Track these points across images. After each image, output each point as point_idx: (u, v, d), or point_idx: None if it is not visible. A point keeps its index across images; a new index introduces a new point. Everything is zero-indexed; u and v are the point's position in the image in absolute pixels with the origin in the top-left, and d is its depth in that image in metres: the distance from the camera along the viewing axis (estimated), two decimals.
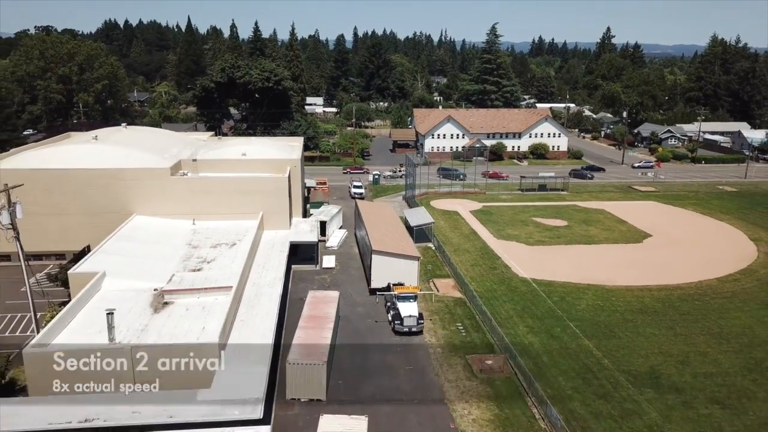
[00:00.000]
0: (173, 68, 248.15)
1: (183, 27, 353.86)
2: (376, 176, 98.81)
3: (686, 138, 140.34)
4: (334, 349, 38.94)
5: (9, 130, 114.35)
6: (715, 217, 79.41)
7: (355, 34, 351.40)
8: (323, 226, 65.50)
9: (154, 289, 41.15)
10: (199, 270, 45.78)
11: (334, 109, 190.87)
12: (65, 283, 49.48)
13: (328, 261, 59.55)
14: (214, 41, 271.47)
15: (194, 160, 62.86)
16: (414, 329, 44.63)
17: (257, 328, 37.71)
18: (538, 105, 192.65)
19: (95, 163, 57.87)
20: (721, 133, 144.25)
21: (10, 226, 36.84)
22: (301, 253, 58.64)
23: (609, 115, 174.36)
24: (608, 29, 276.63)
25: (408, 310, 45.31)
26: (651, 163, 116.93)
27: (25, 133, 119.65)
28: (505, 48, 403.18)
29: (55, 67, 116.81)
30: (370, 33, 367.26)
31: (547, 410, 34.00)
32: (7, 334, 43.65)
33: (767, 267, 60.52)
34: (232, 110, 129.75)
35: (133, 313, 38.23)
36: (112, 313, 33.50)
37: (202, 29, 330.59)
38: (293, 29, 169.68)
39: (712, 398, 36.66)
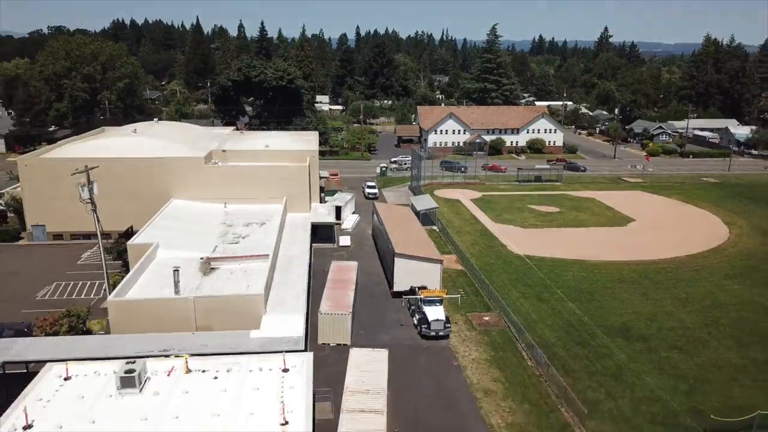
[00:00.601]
0: (182, 67, 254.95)
1: (187, 26, 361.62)
2: (384, 168, 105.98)
3: (677, 134, 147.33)
4: (355, 305, 46.21)
5: (39, 126, 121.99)
6: (696, 205, 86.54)
7: (358, 33, 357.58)
8: (338, 210, 72.76)
9: (201, 258, 48.33)
10: (236, 243, 53.07)
11: (339, 107, 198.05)
12: (118, 256, 56.99)
13: (344, 240, 66.87)
14: (222, 41, 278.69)
15: (224, 151, 70.20)
16: (441, 333, 44.11)
17: (292, 287, 44.97)
18: (537, 103, 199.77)
19: (137, 153, 65.29)
20: (711, 130, 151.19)
21: (89, 201, 43.99)
22: (319, 234, 65.85)
23: (605, 112, 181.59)
24: (606, 29, 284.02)
25: (435, 314, 44.61)
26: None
27: (49, 129, 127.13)
28: (507, 47, 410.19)
29: (81, 67, 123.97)
30: (372, 32, 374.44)
31: (534, 352, 41.25)
32: (74, 297, 50.90)
33: (736, 246, 67.73)
34: (246, 107, 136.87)
35: (186, 276, 45.36)
36: (178, 270, 40.89)
37: (206, 28, 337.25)
38: (304, 30, 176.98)
39: (672, 345, 43.90)
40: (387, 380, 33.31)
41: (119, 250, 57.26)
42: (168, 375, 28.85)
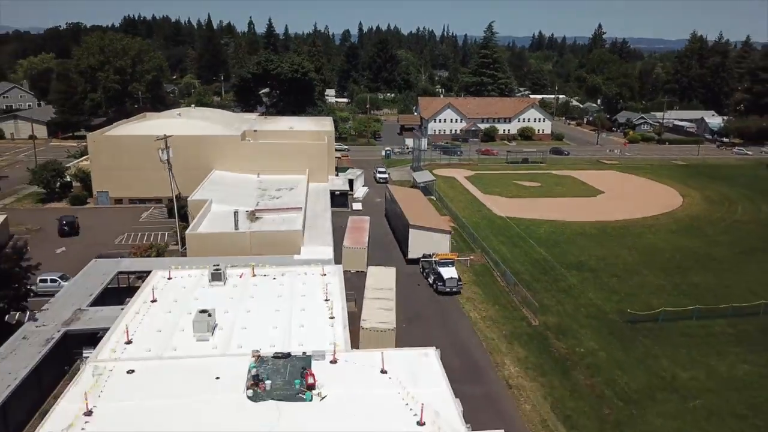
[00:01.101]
0: (194, 62, 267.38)
1: (194, 22, 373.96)
2: (388, 151, 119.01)
3: (658, 124, 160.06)
4: (369, 245, 59.36)
5: (77, 114, 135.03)
6: (660, 182, 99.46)
7: (360, 30, 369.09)
8: (351, 182, 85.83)
9: (247, 210, 61.51)
10: (273, 200, 66.24)
11: (345, 100, 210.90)
12: (171, 215, 70.07)
13: (357, 206, 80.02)
14: (230, 37, 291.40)
15: (255, 131, 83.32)
16: (455, 289, 51.09)
17: (320, 229, 58.18)
18: (531, 96, 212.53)
19: (185, 132, 78.20)
20: (690, 120, 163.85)
21: (167, 161, 57.10)
22: (335, 201, 78.66)
23: (594, 104, 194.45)
24: (600, 26, 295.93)
25: (449, 273, 51.59)
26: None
27: (86, 117, 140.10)
28: (507, 43, 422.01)
29: (114, 61, 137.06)
30: (375, 28, 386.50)
31: (506, 275, 54.39)
32: (144, 242, 64.03)
33: (684, 211, 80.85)
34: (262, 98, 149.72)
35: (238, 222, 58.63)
36: (237, 212, 54.09)
37: (214, 24, 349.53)
38: (315, 27, 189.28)
39: (613, 274, 57.02)
40: (395, 282, 46.50)
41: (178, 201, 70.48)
42: (240, 277, 41.91)
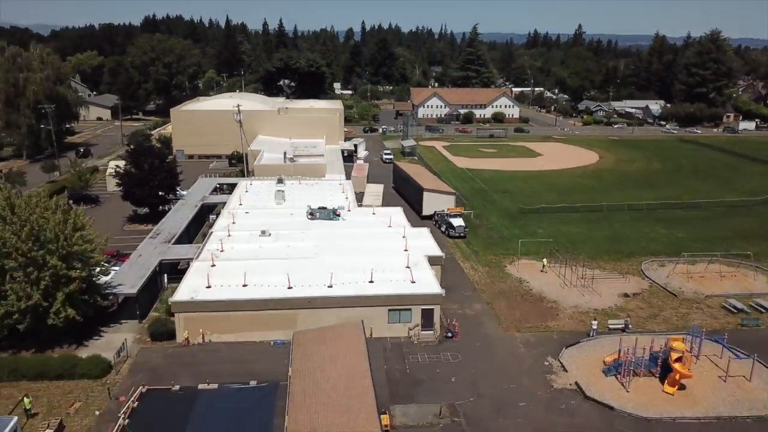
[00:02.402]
0: (211, 59, 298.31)
1: (206, 21, 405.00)
2: (384, 129, 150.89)
3: (612, 110, 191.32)
4: (367, 176, 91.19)
5: (134, 100, 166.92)
6: (589, 149, 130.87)
7: (363, 28, 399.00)
8: (356, 147, 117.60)
9: (287, 155, 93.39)
10: (303, 151, 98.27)
11: (349, 91, 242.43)
12: (233, 164, 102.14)
13: (360, 162, 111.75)
14: (243, 35, 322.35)
15: (286, 108, 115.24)
16: (462, 234, 67.47)
17: (337, 167, 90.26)
18: (514, 88, 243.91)
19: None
20: (638, 108, 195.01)
21: (239, 121, 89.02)
22: (345, 159, 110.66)
23: (565, 96, 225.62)
24: (579, 26, 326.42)
25: (458, 222, 68.06)
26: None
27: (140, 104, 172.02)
28: (506, 40, 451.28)
29: (162, 57, 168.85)
30: (376, 27, 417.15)
31: (458, 197, 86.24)
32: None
33: (595, 166, 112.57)
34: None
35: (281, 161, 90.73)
36: (286, 152, 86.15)
37: (223, 23, 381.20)
38: (325, 29, 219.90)
39: (523, 195, 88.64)
40: (382, 188, 78.63)
41: (235, 158, 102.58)
42: (292, 183, 74.12)
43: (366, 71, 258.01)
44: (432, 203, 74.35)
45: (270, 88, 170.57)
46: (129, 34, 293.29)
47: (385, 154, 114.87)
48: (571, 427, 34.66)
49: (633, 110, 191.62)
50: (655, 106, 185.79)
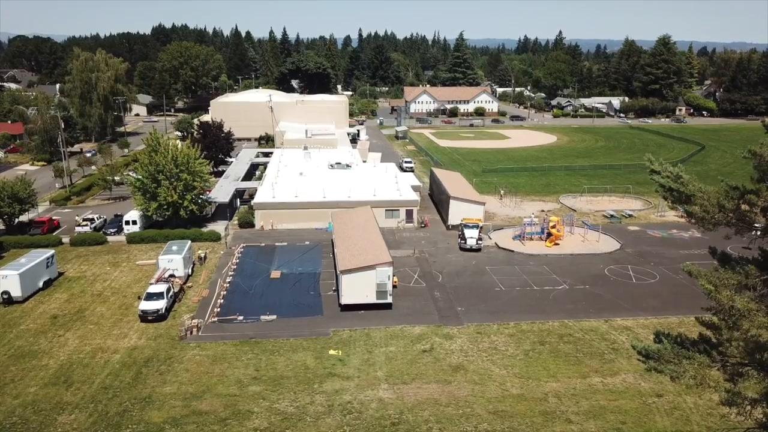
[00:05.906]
0: (223, 64, 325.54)
1: (210, 30, 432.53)
2: (381, 120, 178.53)
3: (580, 106, 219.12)
4: (368, 149, 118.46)
5: (167, 98, 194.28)
6: (550, 134, 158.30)
7: (360, 35, 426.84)
8: (358, 132, 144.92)
9: (306, 132, 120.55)
10: (318, 133, 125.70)
11: (350, 93, 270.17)
12: (261, 145, 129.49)
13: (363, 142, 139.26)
14: (249, 43, 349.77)
15: (302, 100, 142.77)
16: (474, 247, 62.16)
17: (344, 142, 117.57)
18: (498, 89, 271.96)
19: (262, 100, 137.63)
20: (604, 103, 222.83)
21: (271, 107, 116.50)
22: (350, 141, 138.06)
23: (542, 94, 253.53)
24: (560, 32, 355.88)
25: (471, 234, 62.64)
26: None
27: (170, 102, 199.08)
28: (497, 45, 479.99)
29: (190, 61, 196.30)
30: (373, 34, 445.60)
31: (434, 159, 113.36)
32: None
33: (551, 145, 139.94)
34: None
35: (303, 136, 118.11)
36: (307, 129, 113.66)
37: (227, 31, 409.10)
38: (332, 36, 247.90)
39: (488, 162, 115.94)
40: (380, 155, 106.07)
41: (264, 139, 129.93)
42: (313, 151, 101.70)
43: (364, 74, 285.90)
44: (459, 212, 69.00)
45: (283, 88, 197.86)
46: (144, 42, 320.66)
47: (405, 162, 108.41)
48: (488, 259, 61.81)
49: (599, 105, 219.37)
50: (617, 101, 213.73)
